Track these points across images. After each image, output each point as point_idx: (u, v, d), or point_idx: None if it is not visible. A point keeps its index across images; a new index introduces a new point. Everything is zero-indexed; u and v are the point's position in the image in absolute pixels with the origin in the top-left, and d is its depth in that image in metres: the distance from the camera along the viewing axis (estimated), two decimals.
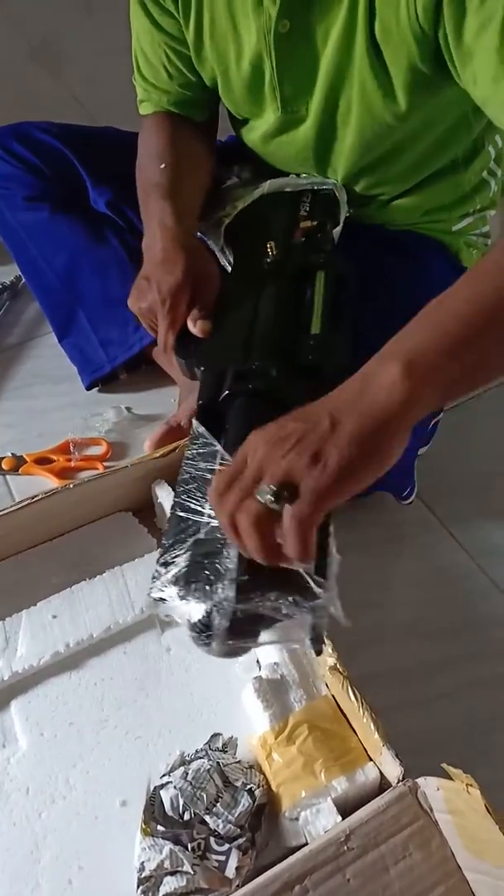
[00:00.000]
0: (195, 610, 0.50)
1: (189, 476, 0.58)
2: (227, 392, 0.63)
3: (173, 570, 0.52)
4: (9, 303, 1.11)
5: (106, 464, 0.92)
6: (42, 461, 0.91)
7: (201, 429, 0.61)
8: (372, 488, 0.82)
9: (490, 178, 0.84)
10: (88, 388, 1.00)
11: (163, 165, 0.80)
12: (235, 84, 0.77)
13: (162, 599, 0.52)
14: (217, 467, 0.56)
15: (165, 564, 0.53)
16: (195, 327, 0.71)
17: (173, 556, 0.53)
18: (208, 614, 0.50)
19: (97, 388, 1.01)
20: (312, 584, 0.49)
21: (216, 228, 0.82)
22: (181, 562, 0.53)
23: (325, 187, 0.81)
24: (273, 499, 0.45)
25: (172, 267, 0.72)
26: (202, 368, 0.69)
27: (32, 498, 0.76)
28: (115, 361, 0.99)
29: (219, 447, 0.58)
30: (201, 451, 0.59)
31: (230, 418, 0.61)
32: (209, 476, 0.57)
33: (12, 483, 0.91)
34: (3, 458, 0.91)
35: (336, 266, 0.73)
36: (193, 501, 0.56)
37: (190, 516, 0.56)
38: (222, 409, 0.63)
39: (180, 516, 0.56)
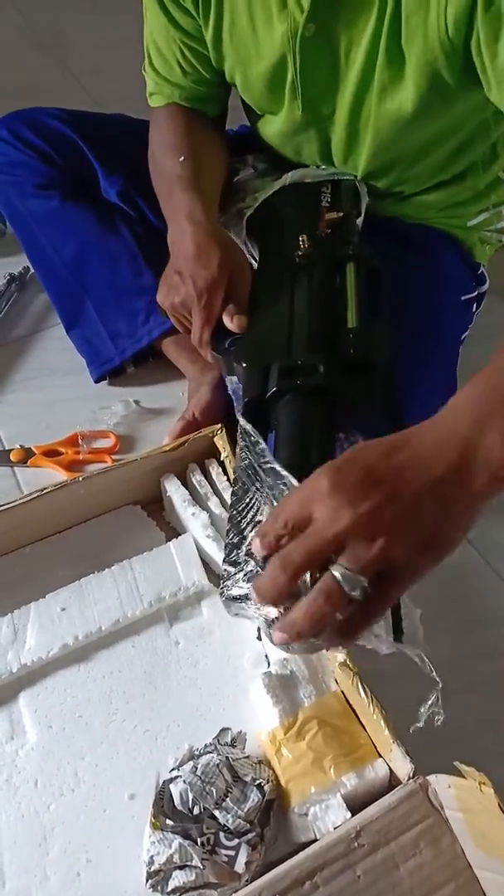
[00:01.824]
0: (272, 609, 0.47)
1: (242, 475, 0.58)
2: (274, 389, 0.63)
3: (246, 569, 0.52)
4: (17, 294, 1.10)
5: (114, 457, 0.92)
6: (50, 453, 0.91)
7: (249, 426, 0.61)
8: None
9: None
10: (97, 380, 1.00)
11: (182, 158, 0.79)
12: (255, 83, 0.76)
13: (237, 598, 0.51)
14: (267, 465, 0.55)
15: (234, 563, 0.53)
16: (232, 322, 0.71)
17: (241, 555, 0.53)
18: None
19: (105, 381, 1.00)
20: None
21: (237, 220, 0.81)
22: (252, 560, 0.52)
23: (345, 178, 0.80)
24: (360, 595, 0.39)
25: (207, 261, 0.72)
26: (244, 365, 0.69)
27: (41, 490, 0.76)
28: (124, 354, 0.98)
29: (263, 444, 0.58)
30: (250, 448, 0.59)
31: (280, 415, 0.61)
32: (262, 473, 0.56)
33: (20, 475, 0.91)
34: (11, 450, 0.91)
35: (366, 258, 0.72)
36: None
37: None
38: (269, 406, 0.63)
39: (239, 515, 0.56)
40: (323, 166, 0.82)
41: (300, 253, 0.73)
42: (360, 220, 0.77)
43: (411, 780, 0.56)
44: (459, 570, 0.84)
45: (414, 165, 0.77)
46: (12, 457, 0.90)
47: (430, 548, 0.41)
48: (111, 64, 1.62)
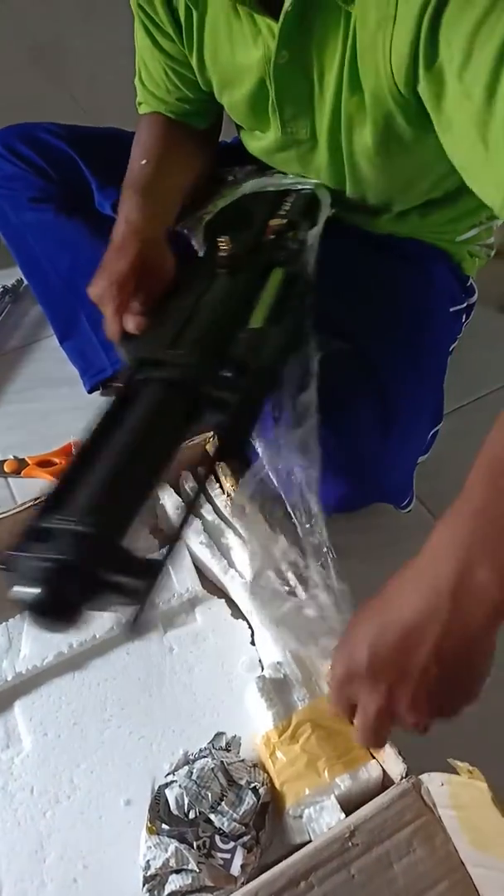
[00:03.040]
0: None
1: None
2: (139, 377, 0.61)
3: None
4: (10, 306, 1.11)
5: None
6: (44, 464, 0.92)
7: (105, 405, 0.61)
8: (371, 499, 0.83)
9: None
10: (90, 391, 1.00)
11: (144, 161, 0.81)
12: (238, 104, 0.78)
13: None
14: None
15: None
16: (129, 322, 0.70)
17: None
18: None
19: (99, 391, 1.01)
20: None
21: (199, 225, 0.82)
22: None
23: (306, 188, 0.80)
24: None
25: (123, 255, 0.72)
26: (125, 356, 0.68)
27: (36, 500, 0.76)
28: (117, 365, 0.99)
29: None
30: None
31: (136, 402, 0.60)
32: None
33: (14, 485, 0.91)
34: (4, 460, 0.92)
35: (296, 264, 0.72)
36: None
37: None
38: (133, 394, 0.61)
39: None
40: (291, 175, 0.83)
41: (221, 255, 0.72)
42: (314, 231, 0.76)
43: (404, 780, 0.56)
44: None
45: (402, 191, 0.78)
46: (6, 467, 0.91)
47: (458, 695, 0.45)
48: (106, 75, 1.64)
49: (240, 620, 0.74)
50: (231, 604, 0.75)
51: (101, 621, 0.72)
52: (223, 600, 0.75)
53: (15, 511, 0.75)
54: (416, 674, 0.43)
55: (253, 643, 0.72)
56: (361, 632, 0.46)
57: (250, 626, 0.73)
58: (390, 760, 0.59)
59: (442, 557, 0.45)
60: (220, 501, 0.80)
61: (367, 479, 0.77)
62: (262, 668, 0.69)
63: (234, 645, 0.72)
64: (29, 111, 1.53)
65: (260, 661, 0.70)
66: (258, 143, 0.83)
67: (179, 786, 0.59)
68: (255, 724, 0.65)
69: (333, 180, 0.79)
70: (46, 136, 0.96)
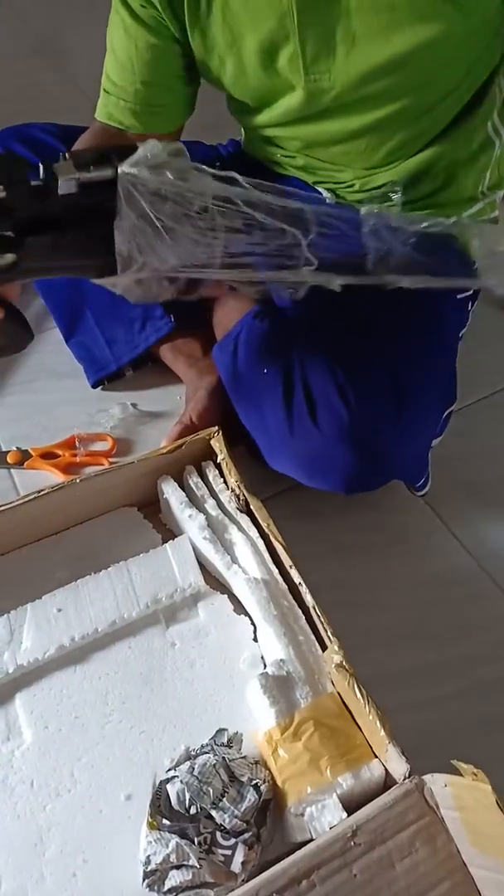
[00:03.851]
0: None
1: None
2: None
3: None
4: None
5: (111, 460, 0.92)
6: (47, 456, 0.91)
7: None
8: (386, 476, 0.83)
9: (495, 136, 0.82)
10: (94, 386, 1.00)
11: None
12: (250, 60, 0.75)
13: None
14: None
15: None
16: None
17: None
18: None
19: (101, 387, 1.01)
20: None
21: None
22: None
23: None
24: None
25: None
26: None
27: (39, 492, 0.76)
28: (121, 361, 0.99)
29: None
30: None
31: None
32: None
33: (17, 477, 0.91)
34: (8, 452, 0.91)
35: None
36: None
37: None
38: None
39: None
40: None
41: None
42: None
43: (407, 780, 0.56)
44: (454, 575, 0.85)
45: (421, 109, 0.76)
46: (9, 459, 0.91)
47: None
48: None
49: (242, 616, 0.73)
50: (234, 599, 0.75)
51: (104, 615, 0.72)
52: (225, 596, 0.75)
53: (19, 502, 0.75)
54: None
55: (255, 640, 0.72)
56: None
57: (252, 623, 0.72)
58: (393, 760, 0.58)
59: None
60: (224, 497, 0.80)
61: (382, 455, 0.77)
62: (265, 665, 0.69)
63: (236, 641, 0.72)
64: (35, 107, 1.53)
65: (262, 657, 0.70)
66: (269, 114, 0.81)
67: (181, 781, 0.59)
68: (256, 721, 0.65)
69: (345, 147, 0.78)
70: (43, 135, 0.96)
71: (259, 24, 0.72)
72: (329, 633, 0.65)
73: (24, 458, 0.91)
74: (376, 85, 0.73)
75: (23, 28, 1.83)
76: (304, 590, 0.69)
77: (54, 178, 0.56)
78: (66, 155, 0.57)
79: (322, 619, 0.67)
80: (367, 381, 0.76)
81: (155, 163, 0.57)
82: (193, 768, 0.60)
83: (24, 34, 1.80)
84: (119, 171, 0.57)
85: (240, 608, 0.74)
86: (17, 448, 0.92)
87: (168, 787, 0.59)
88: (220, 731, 0.64)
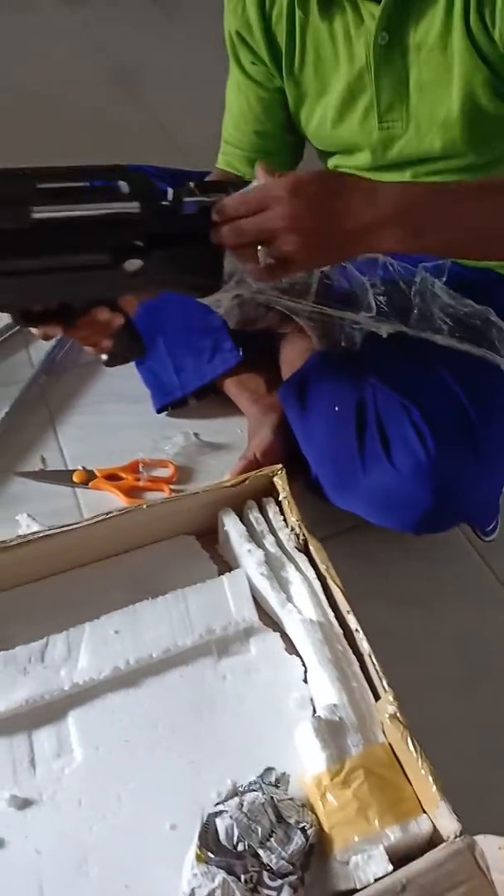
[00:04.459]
0: None
1: None
2: None
3: None
4: None
5: (171, 486, 0.94)
6: (111, 478, 0.94)
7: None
8: (456, 518, 0.83)
9: None
10: (159, 411, 1.03)
11: None
12: (331, 110, 0.83)
13: None
14: None
15: None
16: None
17: None
18: None
19: (167, 412, 1.04)
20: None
21: None
22: None
23: None
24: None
25: None
26: None
27: (107, 514, 0.78)
28: (187, 389, 1.02)
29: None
30: None
31: None
32: None
33: (81, 496, 0.93)
34: (74, 471, 0.94)
35: None
36: None
37: None
38: None
39: None
40: None
41: None
42: None
43: (458, 839, 0.56)
44: None
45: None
46: (75, 478, 0.93)
47: (326, 248, 0.63)
48: (193, 104, 1.70)
49: (293, 656, 0.74)
50: (285, 638, 0.76)
51: (159, 641, 0.73)
52: (278, 634, 0.76)
53: (87, 523, 0.77)
54: (333, 231, 0.62)
55: (305, 681, 0.72)
56: (320, 182, 0.62)
57: (304, 664, 0.73)
58: (443, 817, 0.58)
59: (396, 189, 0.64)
60: (284, 535, 0.81)
61: (456, 495, 0.78)
62: (314, 707, 0.70)
63: (286, 680, 0.73)
64: (111, 134, 1.59)
65: (312, 699, 0.71)
66: (348, 161, 0.87)
67: (230, 816, 0.59)
68: (304, 764, 0.65)
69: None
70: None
71: (341, 75, 0.79)
72: (384, 683, 0.66)
73: (89, 478, 0.93)
74: (443, 135, 0.78)
75: (102, 57, 1.91)
76: (360, 636, 0.70)
77: (180, 200, 0.62)
78: (192, 182, 0.62)
79: (377, 668, 0.67)
80: (442, 419, 0.78)
81: None
82: (242, 804, 0.60)
83: (103, 63, 1.88)
84: None
85: (291, 647, 0.75)
86: (83, 468, 0.94)
87: (217, 820, 0.60)
88: (269, 769, 0.65)
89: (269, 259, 0.62)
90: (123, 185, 0.59)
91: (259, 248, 0.62)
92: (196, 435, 1.01)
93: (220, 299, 0.70)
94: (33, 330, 0.69)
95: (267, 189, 0.61)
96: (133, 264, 0.61)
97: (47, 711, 0.70)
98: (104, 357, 0.75)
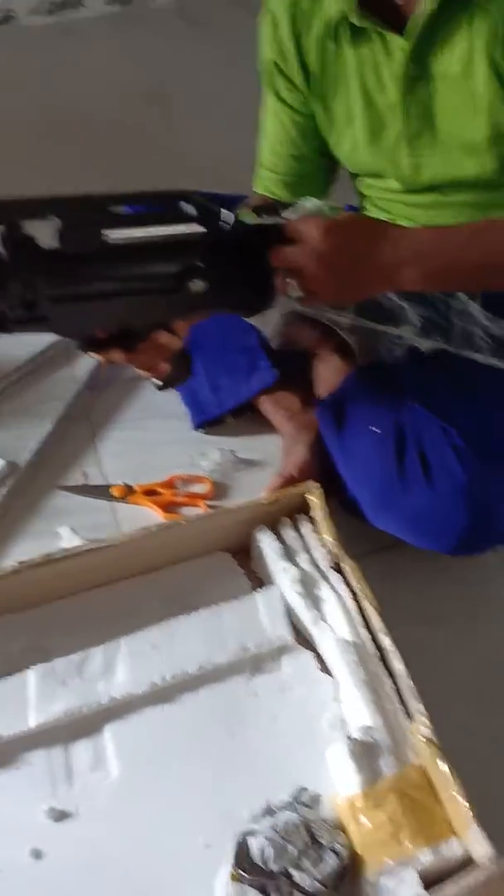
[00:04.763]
0: None
1: None
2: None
3: None
4: None
5: (208, 503, 0.95)
6: (149, 493, 0.96)
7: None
8: (492, 539, 0.83)
9: None
10: (196, 428, 1.05)
11: None
12: (363, 135, 0.84)
13: None
14: None
15: None
16: None
17: None
18: None
19: (203, 430, 1.05)
20: None
21: None
22: None
23: None
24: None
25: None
26: None
27: (147, 529, 0.80)
28: (224, 407, 1.03)
29: None
30: None
31: None
32: None
33: (119, 510, 0.95)
34: (114, 485, 0.96)
35: None
36: None
37: None
38: None
39: None
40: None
41: None
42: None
43: (491, 863, 0.56)
44: None
45: None
46: (114, 492, 0.95)
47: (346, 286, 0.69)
48: (214, 117, 1.73)
49: (326, 675, 0.74)
50: (318, 657, 0.76)
51: (194, 657, 0.74)
52: (311, 653, 0.76)
53: (128, 538, 0.79)
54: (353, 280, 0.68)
55: (338, 700, 0.72)
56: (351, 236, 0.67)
57: (336, 683, 0.73)
58: (476, 841, 0.58)
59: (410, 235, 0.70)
60: (318, 553, 0.81)
61: (491, 517, 0.78)
62: (346, 727, 0.70)
63: (319, 700, 0.73)
64: (143, 151, 1.62)
65: (344, 719, 0.71)
66: (379, 185, 0.89)
67: (264, 836, 0.60)
68: (336, 785, 0.65)
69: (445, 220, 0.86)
70: None
71: (369, 105, 0.81)
72: (418, 705, 0.66)
73: (128, 493, 0.95)
74: (472, 160, 0.79)
75: (136, 76, 1.94)
76: (394, 656, 0.70)
77: (238, 221, 0.64)
78: (247, 203, 0.64)
79: (412, 689, 0.67)
80: (482, 441, 0.78)
81: (314, 213, 0.69)
82: (276, 824, 0.61)
83: (138, 82, 1.91)
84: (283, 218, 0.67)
85: (324, 666, 0.75)
86: (123, 483, 0.96)
87: (251, 840, 0.60)
88: (301, 789, 0.65)
89: (296, 293, 0.67)
90: (188, 208, 0.61)
91: (288, 279, 0.66)
92: (232, 452, 1.02)
93: (268, 317, 0.72)
94: (96, 356, 0.70)
95: (301, 226, 0.66)
96: (196, 285, 0.63)
97: (84, 724, 0.72)
98: (158, 382, 0.76)
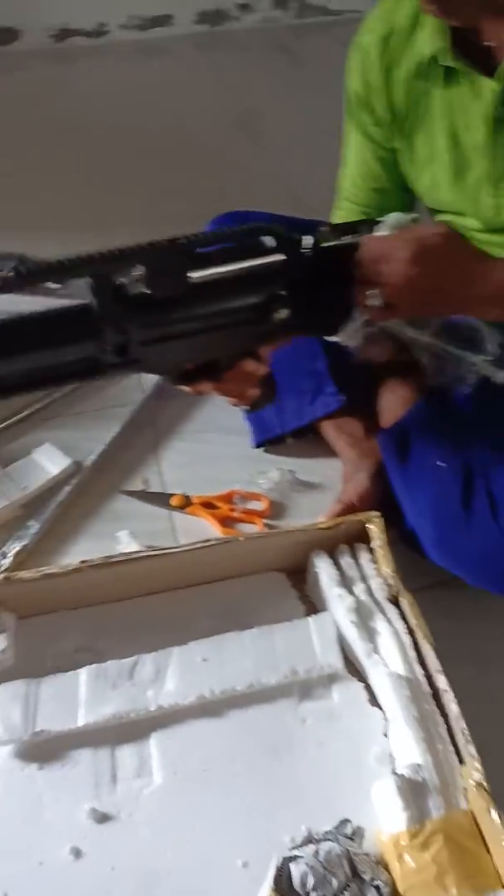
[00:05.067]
0: None
1: None
2: None
3: None
4: None
5: (264, 521, 0.96)
6: (207, 505, 0.96)
7: None
8: None
9: None
10: (257, 446, 1.05)
11: None
12: (447, 174, 0.84)
13: None
14: None
15: None
16: None
17: None
18: None
19: (263, 448, 1.06)
20: None
21: None
22: None
23: None
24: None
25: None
26: None
27: (205, 541, 0.80)
28: (286, 427, 1.04)
29: None
30: None
31: None
32: None
33: (177, 520, 0.96)
34: (173, 494, 0.97)
35: None
36: None
37: None
38: None
39: None
40: None
41: None
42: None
43: None
44: None
45: None
46: (173, 501, 0.96)
47: (434, 303, 0.70)
48: (303, 146, 1.75)
49: (375, 709, 0.74)
50: (368, 689, 0.75)
51: (244, 674, 0.74)
52: (362, 684, 0.76)
53: (187, 548, 0.80)
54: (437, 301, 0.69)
55: (386, 735, 0.72)
56: (439, 248, 0.68)
57: (386, 718, 0.73)
58: None
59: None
60: (375, 583, 0.81)
61: None
62: (393, 764, 0.69)
63: (367, 732, 0.72)
64: (229, 176, 1.65)
65: (392, 755, 0.70)
66: (459, 222, 0.88)
67: (306, 864, 0.59)
68: (381, 820, 0.65)
69: None
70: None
71: (454, 145, 0.81)
72: (470, 748, 0.65)
73: (186, 503, 0.96)
74: None
75: (226, 99, 1.99)
76: (448, 696, 0.69)
77: (319, 246, 0.65)
78: (326, 227, 0.67)
79: (465, 731, 0.66)
80: None
81: (399, 227, 0.70)
82: (318, 853, 0.60)
83: (227, 106, 1.96)
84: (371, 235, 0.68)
85: (373, 699, 0.75)
86: (182, 493, 0.97)
87: (291, 865, 0.60)
88: (345, 821, 0.65)
89: (377, 302, 0.67)
90: (269, 240, 0.62)
91: (368, 291, 0.67)
92: (291, 472, 1.02)
93: (350, 332, 0.73)
94: (186, 388, 0.72)
95: (393, 243, 0.67)
96: (280, 313, 0.64)
97: (132, 730, 0.72)
98: (246, 407, 0.78)
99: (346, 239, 0.68)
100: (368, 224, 0.71)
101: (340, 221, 0.97)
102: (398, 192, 0.94)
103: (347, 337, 0.73)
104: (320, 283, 0.67)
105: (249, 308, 0.64)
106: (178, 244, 0.57)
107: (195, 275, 0.60)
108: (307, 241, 0.66)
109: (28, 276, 0.52)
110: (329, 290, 0.68)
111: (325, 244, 0.67)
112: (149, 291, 0.58)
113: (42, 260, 0.53)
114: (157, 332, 0.61)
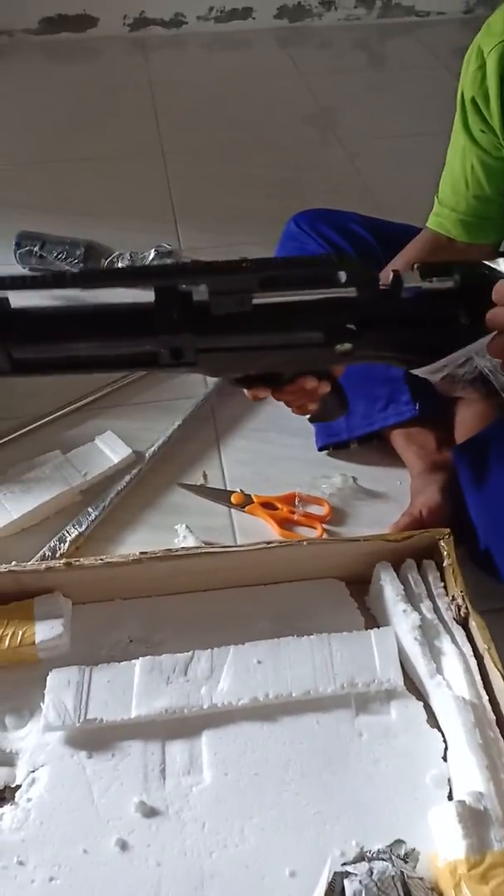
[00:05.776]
0: None
1: None
2: None
3: None
4: None
5: (324, 526, 0.94)
6: (267, 505, 0.95)
7: None
8: None
9: None
10: (321, 449, 1.03)
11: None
12: None
13: None
14: None
15: None
16: None
17: None
18: None
19: (327, 451, 1.04)
20: None
21: None
22: None
23: None
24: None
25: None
26: None
27: (268, 543, 0.79)
28: (353, 433, 1.02)
29: None
30: None
31: None
32: None
33: (235, 517, 0.95)
34: (233, 492, 0.96)
35: None
36: None
37: None
38: None
39: None
40: None
41: None
42: None
43: None
44: None
45: None
46: (232, 499, 0.95)
47: None
48: (380, 148, 1.73)
49: (434, 731, 0.72)
50: (428, 710, 0.73)
51: (300, 681, 0.73)
52: (421, 704, 0.74)
53: (248, 548, 0.78)
54: None
55: (445, 759, 0.70)
56: None
57: (445, 741, 0.70)
58: None
59: None
60: (442, 602, 0.79)
61: None
62: (451, 789, 0.67)
63: (425, 753, 0.70)
64: (302, 173, 1.64)
65: (450, 780, 0.68)
66: None
67: (359, 881, 0.58)
68: (437, 846, 0.63)
69: None
70: (355, 226, 1.04)
71: None
72: None
73: (246, 501, 0.95)
74: None
75: (304, 97, 1.97)
76: None
77: (400, 284, 0.61)
78: (415, 266, 0.62)
79: None
80: None
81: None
82: (372, 871, 0.59)
83: (305, 103, 1.94)
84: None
85: (433, 720, 0.73)
86: (241, 490, 0.96)
87: (345, 882, 0.58)
88: (399, 842, 0.63)
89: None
90: (342, 275, 0.60)
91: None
92: (354, 479, 1.00)
93: (434, 369, 0.70)
94: (244, 391, 0.71)
95: None
96: (344, 347, 0.62)
97: (183, 726, 0.71)
98: (305, 416, 0.76)
99: (437, 284, 0.62)
100: (460, 267, 0.64)
101: (434, 227, 0.96)
102: (500, 202, 0.91)
103: (432, 372, 0.70)
104: (399, 322, 0.63)
105: (312, 335, 0.62)
106: (246, 267, 0.56)
107: (260, 299, 0.59)
108: (388, 276, 0.62)
109: (91, 278, 0.53)
110: (409, 330, 0.64)
111: (408, 285, 0.62)
112: (210, 304, 0.57)
113: (102, 268, 0.53)
114: (212, 344, 0.60)
